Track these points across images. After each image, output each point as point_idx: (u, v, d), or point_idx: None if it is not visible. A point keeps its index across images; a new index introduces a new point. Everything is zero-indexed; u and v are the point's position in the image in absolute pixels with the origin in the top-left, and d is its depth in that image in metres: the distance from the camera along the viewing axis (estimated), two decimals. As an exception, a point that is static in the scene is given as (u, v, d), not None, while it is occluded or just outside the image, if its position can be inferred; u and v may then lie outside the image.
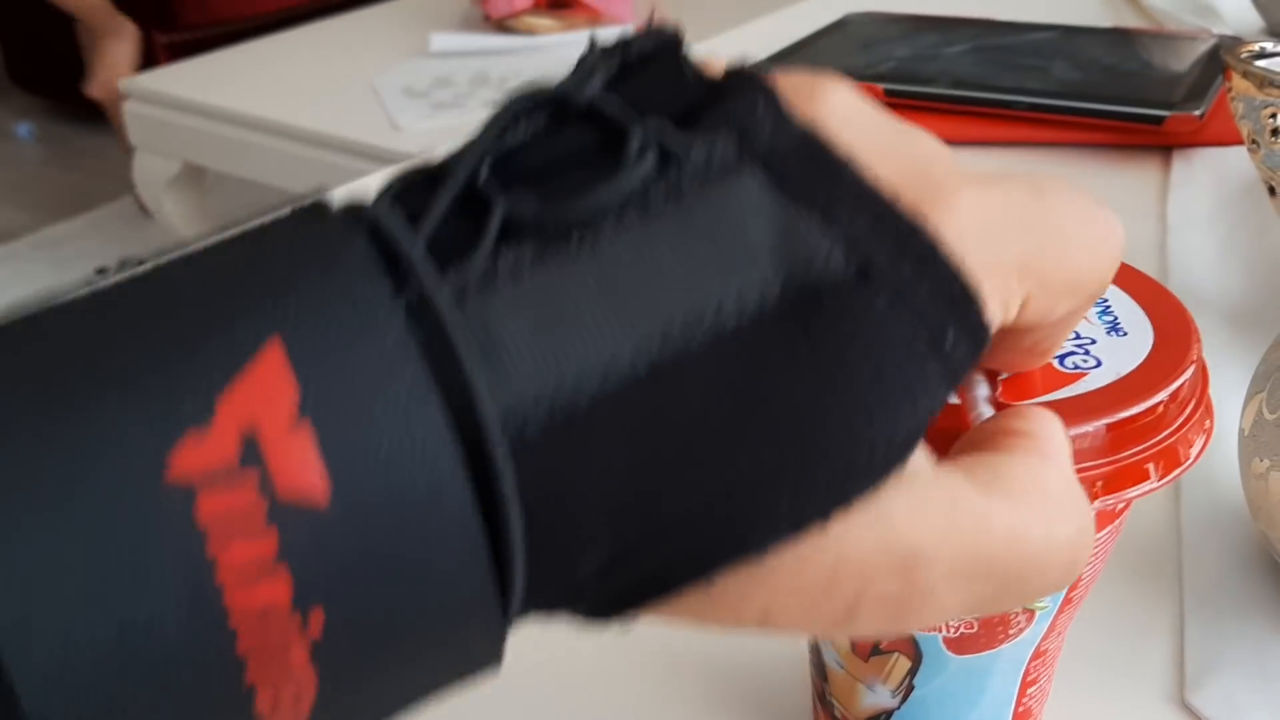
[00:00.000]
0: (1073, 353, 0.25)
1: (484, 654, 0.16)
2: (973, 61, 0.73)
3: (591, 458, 0.15)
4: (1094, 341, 0.25)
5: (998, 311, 0.18)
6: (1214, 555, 0.36)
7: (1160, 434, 0.24)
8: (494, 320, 0.15)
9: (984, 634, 0.28)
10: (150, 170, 1.59)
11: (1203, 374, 0.25)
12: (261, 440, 0.13)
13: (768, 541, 0.16)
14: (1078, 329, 0.25)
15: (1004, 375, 0.23)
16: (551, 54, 1.65)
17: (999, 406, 0.22)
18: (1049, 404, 0.22)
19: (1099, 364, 0.24)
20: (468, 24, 1.78)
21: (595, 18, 1.70)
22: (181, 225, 1.56)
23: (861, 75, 0.71)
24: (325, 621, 0.14)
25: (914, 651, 0.29)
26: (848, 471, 0.16)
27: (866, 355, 0.16)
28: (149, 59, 2.45)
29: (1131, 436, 0.23)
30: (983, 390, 0.22)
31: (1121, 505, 0.25)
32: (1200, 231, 0.58)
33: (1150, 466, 0.23)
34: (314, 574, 0.13)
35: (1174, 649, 0.33)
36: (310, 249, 0.15)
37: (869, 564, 0.17)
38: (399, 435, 0.14)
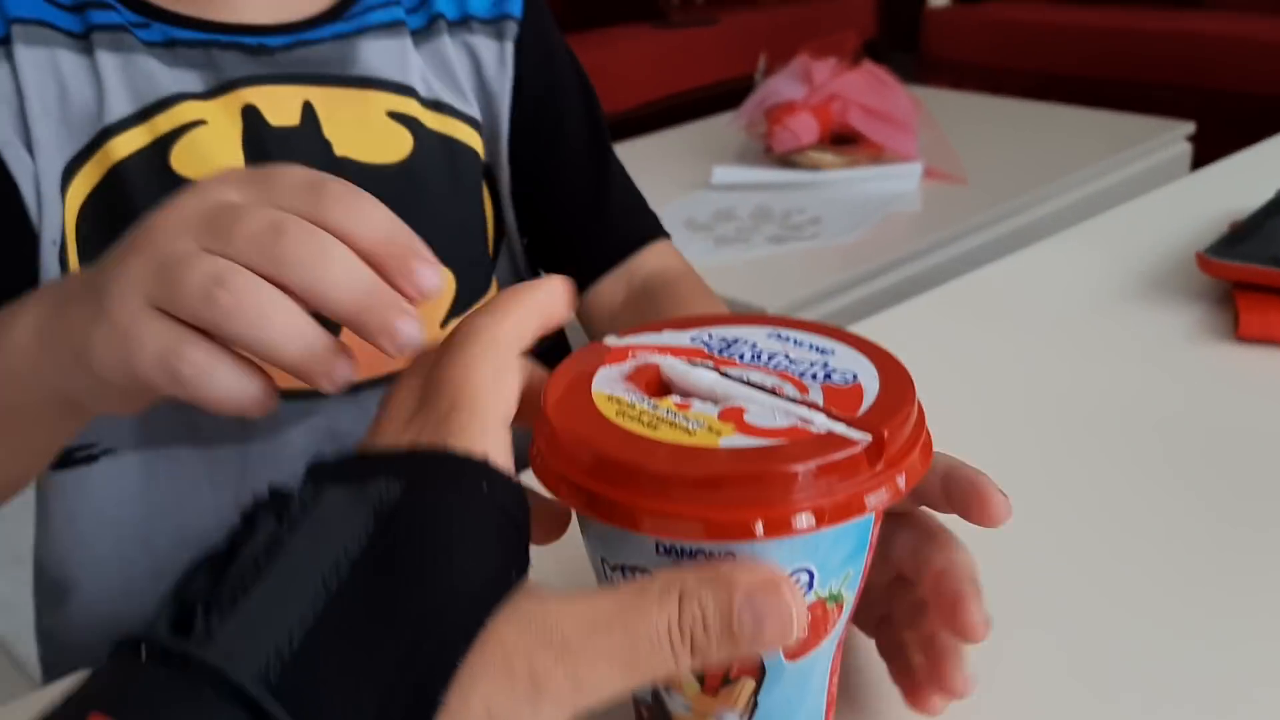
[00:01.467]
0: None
1: None
2: None
3: (301, 670, 0.24)
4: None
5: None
6: None
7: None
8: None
9: (813, 635, 0.31)
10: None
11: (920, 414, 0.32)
12: None
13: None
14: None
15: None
16: (834, 190, 1.62)
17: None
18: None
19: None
20: (745, 157, 1.77)
21: (878, 154, 1.66)
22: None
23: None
24: None
25: (759, 671, 0.32)
26: (450, 634, 0.26)
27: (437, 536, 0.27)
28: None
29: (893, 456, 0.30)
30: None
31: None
32: None
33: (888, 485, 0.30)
34: None
35: None
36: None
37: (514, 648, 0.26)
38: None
